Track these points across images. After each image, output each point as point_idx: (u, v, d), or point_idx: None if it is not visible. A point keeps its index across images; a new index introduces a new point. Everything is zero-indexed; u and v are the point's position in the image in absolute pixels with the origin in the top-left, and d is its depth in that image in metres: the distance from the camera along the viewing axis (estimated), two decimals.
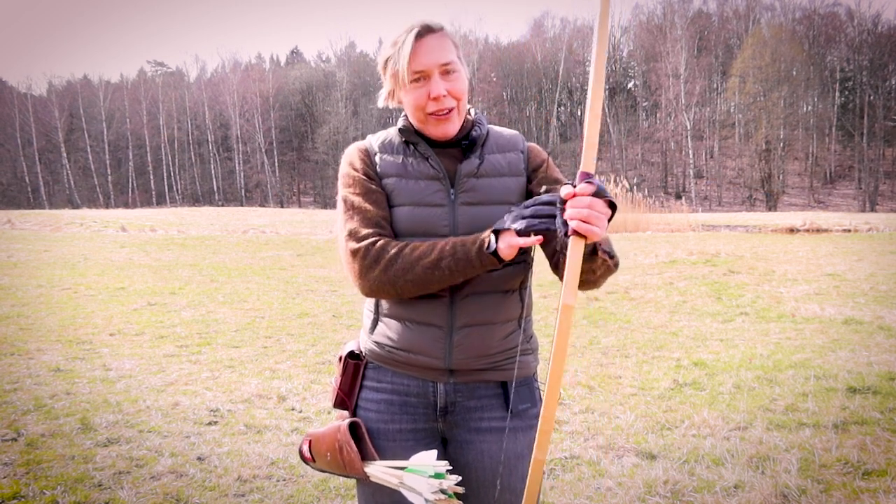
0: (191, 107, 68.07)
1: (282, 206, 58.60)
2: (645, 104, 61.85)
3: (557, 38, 66.71)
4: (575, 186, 1.05)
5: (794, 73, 51.37)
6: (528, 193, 1.38)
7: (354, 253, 1.28)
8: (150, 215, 29.92)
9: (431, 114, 1.30)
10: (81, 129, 64.58)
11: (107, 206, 58.60)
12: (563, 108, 66.05)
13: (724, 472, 3.01)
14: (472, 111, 1.41)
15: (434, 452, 1.25)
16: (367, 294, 1.30)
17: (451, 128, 1.32)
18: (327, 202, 62.44)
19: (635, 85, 63.03)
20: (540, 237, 1.11)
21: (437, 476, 1.21)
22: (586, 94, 1.12)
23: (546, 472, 3.08)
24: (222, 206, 56.92)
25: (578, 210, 1.03)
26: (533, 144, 1.43)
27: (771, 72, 50.27)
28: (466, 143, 1.35)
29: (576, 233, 1.04)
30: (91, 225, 21.18)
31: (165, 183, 66.17)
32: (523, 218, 1.12)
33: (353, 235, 1.30)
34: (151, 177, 65.55)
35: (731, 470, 3.03)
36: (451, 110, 1.30)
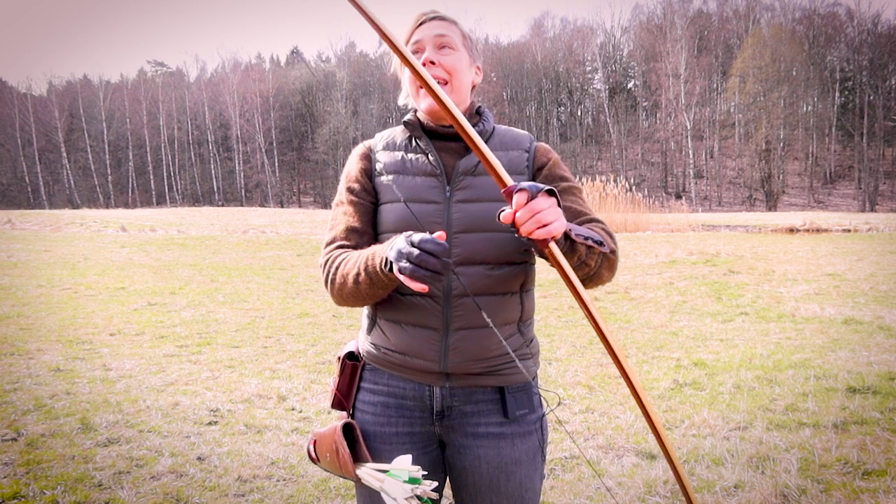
0: (191, 107, 68.06)
1: (282, 206, 58.61)
2: (645, 104, 61.84)
3: (557, 38, 66.70)
4: (511, 207, 1.04)
5: (794, 73, 51.38)
6: None
7: (321, 266, 1.35)
8: (150, 215, 29.92)
9: (419, 87, 1.30)
10: (81, 129, 64.58)
11: (107, 206, 58.63)
12: (563, 108, 66.03)
13: (724, 472, 3.01)
14: (482, 108, 1.42)
15: (409, 457, 1.23)
16: (338, 304, 1.34)
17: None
18: (327, 202, 62.38)
19: (635, 85, 63.03)
20: (424, 287, 1.04)
21: (412, 481, 1.20)
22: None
23: (546, 472, 3.08)
24: (222, 206, 56.94)
25: (528, 223, 1.02)
26: (542, 144, 1.41)
27: (771, 72, 50.27)
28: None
29: (545, 241, 1.04)
30: (91, 225, 21.18)
31: (165, 183, 66.17)
32: (409, 261, 1.04)
33: (324, 247, 1.37)
34: (151, 177, 65.56)
35: (731, 470, 3.03)
36: (444, 84, 1.31)
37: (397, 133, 1.40)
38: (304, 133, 67.76)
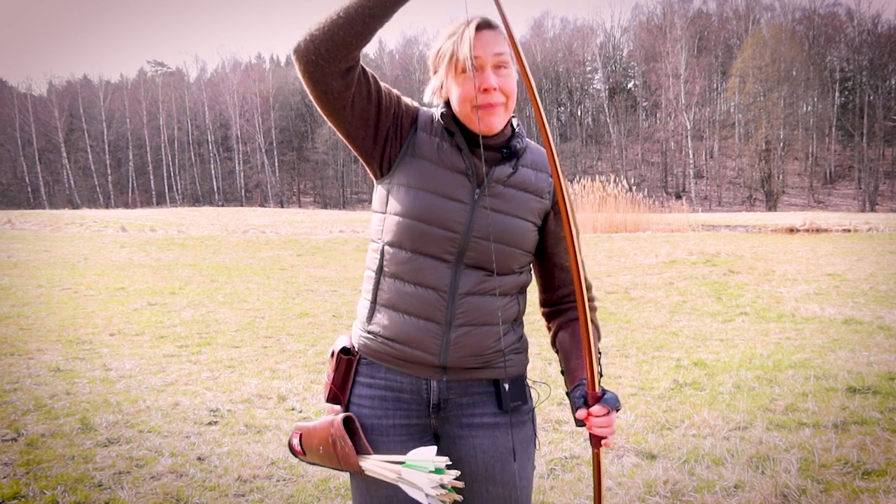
0: (191, 107, 68.08)
1: (282, 206, 58.62)
2: (645, 104, 61.85)
3: (557, 38, 66.73)
4: (588, 405, 1.24)
5: (794, 73, 51.39)
6: (545, 220, 1.39)
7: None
8: (150, 215, 29.93)
9: (479, 106, 1.28)
10: (81, 129, 64.60)
11: (107, 206, 58.63)
12: (563, 108, 66.04)
13: (724, 472, 3.01)
14: (516, 123, 1.41)
15: (434, 448, 1.26)
16: (315, 45, 1.16)
17: (497, 122, 1.30)
18: (327, 202, 62.39)
19: (635, 85, 63.04)
20: None
21: (438, 471, 1.22)
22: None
23: (546, 472, 3.08)
24: (222, 206, 56.95)
25: (602, 430, 1.24)
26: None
27: (771, 72, 50.28)
28: (506, 151, 1.34)
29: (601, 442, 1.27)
30: (91, 225, 21.18)
31: (165, 183, 66.18)
32: None
33: None
34: (151, 177, 65.57)
35: (731, 470, 3.03)
36: (502, 107, 1.30)
37: (435, 116, 1.36)
38: (304, 133, 67.75)
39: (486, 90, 1.26)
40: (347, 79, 1.20)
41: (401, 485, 1.23)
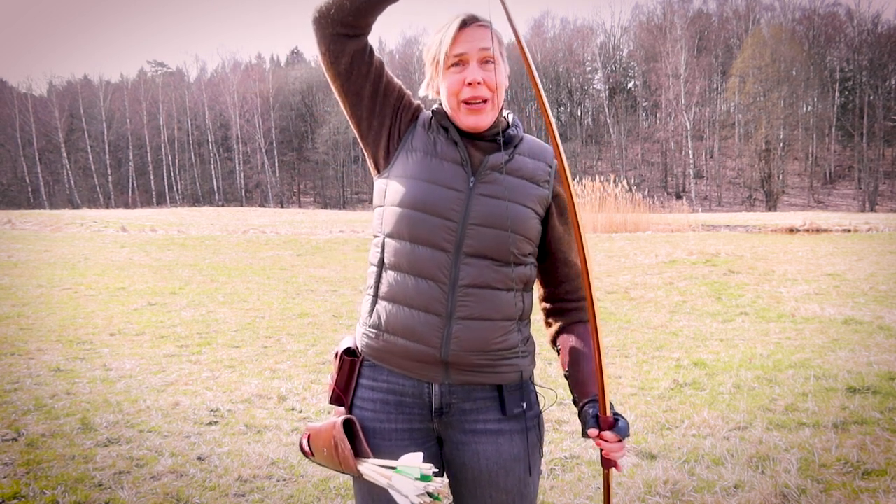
0: (191, 107, 68.07)
1: (282, 206, 58.61)
2: (645, 104, 61.85)
3: (557, 38, 66.73)
4: (599, 428, 1.26)
5: (794, 73, 51.39)
6: (548, 212, 1.39)
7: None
8: (150, 215, 29.93)
9: (465, 102, 1.30)
10: (81, 129, 64.60)
11: (107, 206, 58.63)
12: (563, 108, 66.03)
13: (724, 472, 3.02)
14: (511, 116, 1.43)
15: (420, 455, 1.24)
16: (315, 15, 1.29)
17: (484, 120, 1.32)
18: (327, 202, 62.39)
19: (635, 85, 63.04)
20: None
21: (424, 478, 1.20)
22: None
23: (546, 472, 3.08)
24: (222, 206, 56.94)
25: (615, 454, 1.27)
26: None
27: (771, 72, 50.27)
28: (502, 139, 1.36)
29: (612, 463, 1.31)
30: (91, 225, 21.18)
31: (165, 183, 66.18)
32: None
33: None
34: (151, 177, 65.57)
35: (731, 470, 3.03)
36: (485, 102, 1.31)
37: (430, 115, 1.41)
38: (304, 133, 67.76)
39: (470, 84, 1.29)
40: (347, 47, 1.28)
41: (390, 490, 1.22)
